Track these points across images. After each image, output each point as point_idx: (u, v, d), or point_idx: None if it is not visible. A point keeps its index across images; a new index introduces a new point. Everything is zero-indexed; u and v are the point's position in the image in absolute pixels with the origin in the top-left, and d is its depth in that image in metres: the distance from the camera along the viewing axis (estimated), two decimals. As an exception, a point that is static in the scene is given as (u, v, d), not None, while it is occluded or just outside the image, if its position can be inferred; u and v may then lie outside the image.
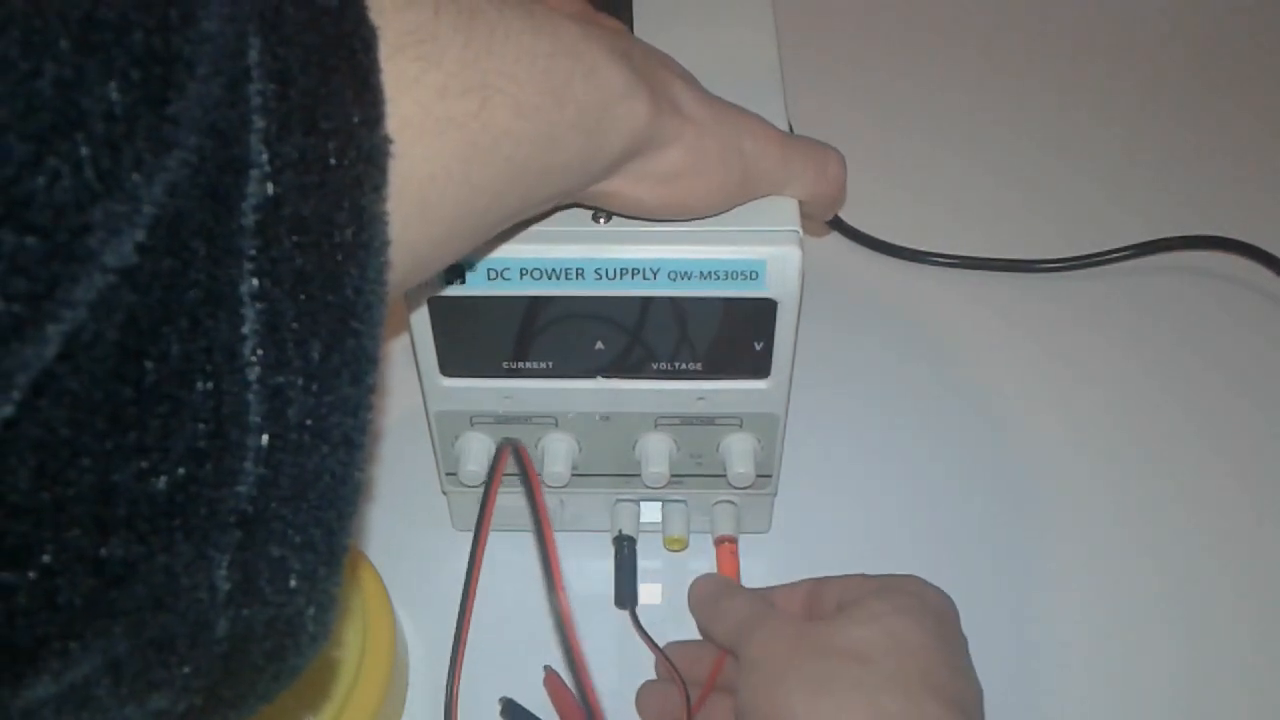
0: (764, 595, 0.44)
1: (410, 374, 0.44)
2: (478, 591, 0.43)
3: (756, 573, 0.47)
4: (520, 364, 0.42)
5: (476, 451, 0.44)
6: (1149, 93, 0.73)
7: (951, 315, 0.60)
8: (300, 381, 0.20)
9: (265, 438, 0.20)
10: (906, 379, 0.57)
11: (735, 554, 0.47)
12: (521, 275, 0.38)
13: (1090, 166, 0.68)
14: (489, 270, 0.38)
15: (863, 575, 0.43)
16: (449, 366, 0.42)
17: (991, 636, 0.43)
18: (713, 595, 0.44)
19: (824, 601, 0.43)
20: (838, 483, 0.53)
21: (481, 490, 0.47)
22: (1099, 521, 0.52)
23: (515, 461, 0.41)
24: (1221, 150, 0.69)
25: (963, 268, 0.62)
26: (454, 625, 0.44)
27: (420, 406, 0.44)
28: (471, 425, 0.44)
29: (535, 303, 0.39)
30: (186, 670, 0.21)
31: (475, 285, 0.38)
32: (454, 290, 0.39)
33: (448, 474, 0.46)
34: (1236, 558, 0.50)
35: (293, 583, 0.21)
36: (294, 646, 0.22)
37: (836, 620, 0.39)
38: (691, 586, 0.46)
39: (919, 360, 0.58)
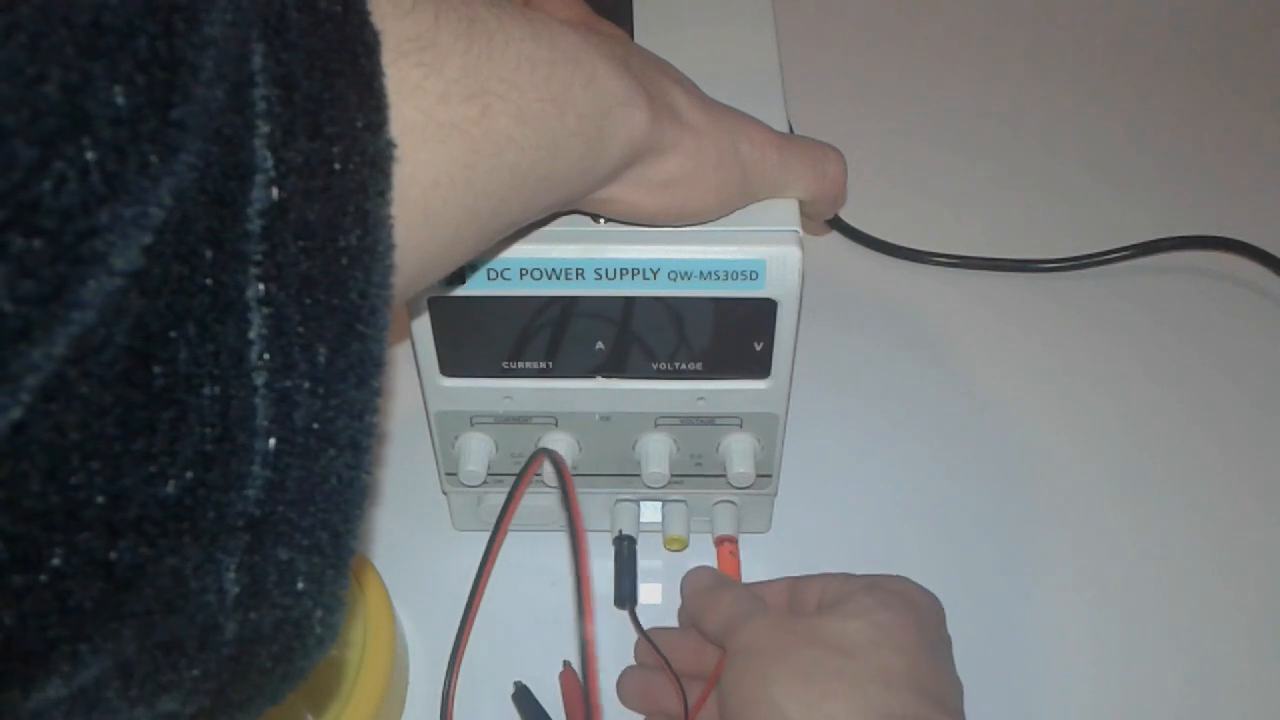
0: (754, 591, 0.45)
1: (411, 374, 0.44)
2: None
3: (756, 573, 0.47)
4: (520, 364, 0.42)
5: (476, 451, 0.44)
6: (1149, 92, 0.73)
7: (951, 315, 0.60)
8: (306, 385, 0.20)
9: (272, 441, 0.20)
10: (906, 379, 0.57)
11: (736, 554, 0.47)
12: (521, 275, 0.38)
13: (1090, 166, 0.68)
14: (489, 270, 0.38)
15: (845, 575, 0.43)
16: (449, 366, 0.42)
17: (991, 636, 0.43)
18: (707, 587, 0.45)
19: (804, 601, 0.43)
20: (838, 483, 0.53)
21: (484, 489, 0.47)
22: (1100, 521, 0.52)
23: (555, 476, 0.41)
24: (1221, 150, 0.69)
25: (963, 268, 0.62)
26: (454, 624, 0.44)
27: (421, 407, 0.44)
28: (471, 425, 0.44)
29: (535, 303, 0.39)
30: (195, 672, 0.21)
31: (475, 285, 0.38)
32: (454, 290, 0.39)
33: (448, 474, 0.46)
34: (1237, 557, 0.50)
35: (300, 585, 0.22)
36: (301, 648, 0.22)
37: (824, 614, 0.40)
38: (685, 577, 0.46)
39: (919, 360, 0.58)
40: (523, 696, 0.45)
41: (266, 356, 0.20)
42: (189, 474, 0.19)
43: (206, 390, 0.19)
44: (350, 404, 0.22)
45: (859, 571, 0.43)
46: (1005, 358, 0.58)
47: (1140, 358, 0.58)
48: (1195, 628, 0.48)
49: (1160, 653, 0.47)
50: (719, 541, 0.48)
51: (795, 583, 0.44)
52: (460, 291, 0.39)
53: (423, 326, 0.40)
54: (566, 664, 0.46)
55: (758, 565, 0.48)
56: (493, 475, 0.45)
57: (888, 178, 0.66)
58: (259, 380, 0.20)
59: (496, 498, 0.47)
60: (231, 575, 0.20)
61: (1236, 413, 0.56)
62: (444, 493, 0.49)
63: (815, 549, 0.50)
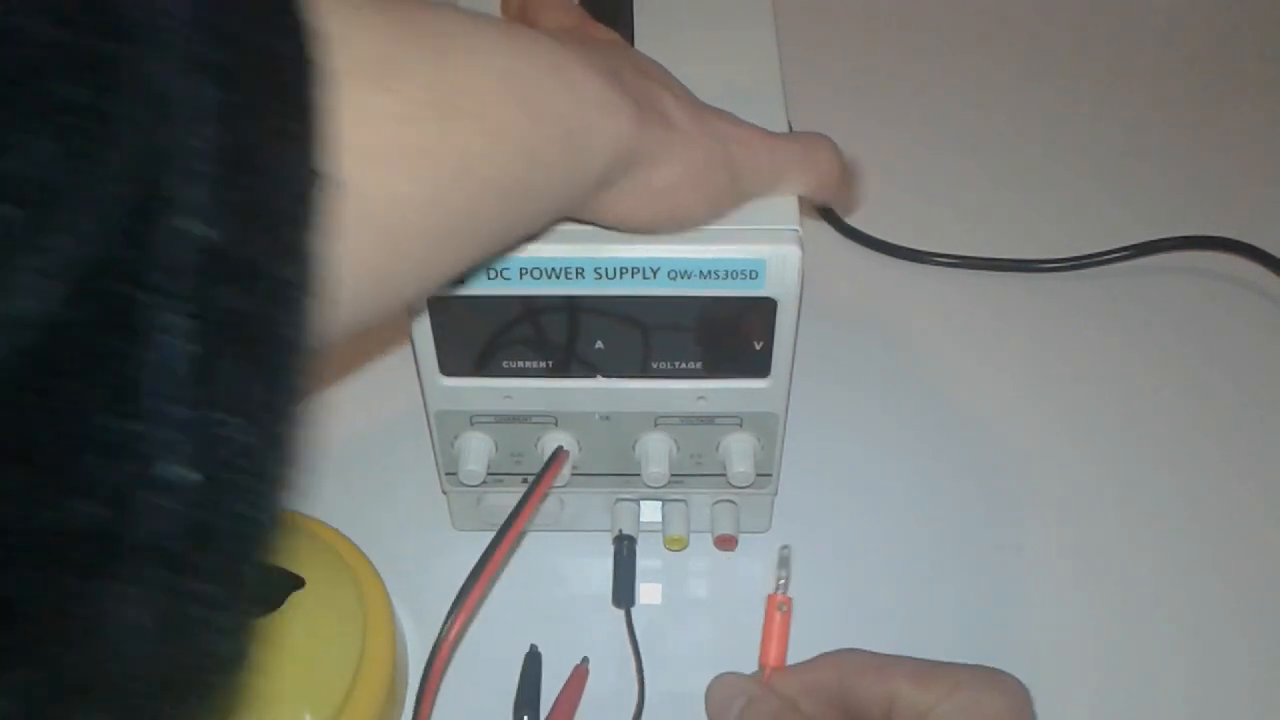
0: (787, 699, 0.39)
1: (410, 374, 0.44)
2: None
3: (756, 572, 0.47)
4: (520, 364, 0.42)
5: (476, 451, 0.44)
6: (1149, 93, 0.73)
7: (951, 315, 0.60)
8: (230, 421, 0.20)
9: (188, 475, 0.20)
10: (906, 379, 0.57)
11: (787, 610, 0.42)
12: (521, 275, 0.38)
13: (1090, 166, 0.68)
14: (489, 270, 0.38)
15: (916, 676, 0.36)
16: (449, 366, 0.42)
17: (991, 637, 0.43)
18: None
19: (864, 709, 0.37)
20: (838, 482, 0.53)
21: (484, 488, 0.47)
22: (1100, 521, 0.52)
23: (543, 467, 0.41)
24: (1221, 150, 0.69)
25: (963, 268, 0.62)
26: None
27: (420, 406, 0.44)
28: (471, 425, 0.44)
29: (535, 302, 0.39)
30: (102, 711, 0.20)
31: (475, 285, 0.38)
32: (454, 290, 0.39)
33: (448, 474, 0.46)
34: (1238, 557, 0.50)
35: (210, 619, 0.21)
36: (213, 682, 0.22)
37: None
38: (708, 691, 0.41)
39: (919, 360, 0.58)
40: (532, 661, 0.45)
41: (190, 391, 0.19)
42: (102, 508, 0.18)
43: (125, 425, 0.18)
44: (274, 440, 0.21)
45: (864, 586, 0.42)
46: (1005, 358, 0.58)
47: (1140, 358, 0.58)
48: (1195, 628, 0.48)
49: (1160, 652, 0.47)
50: (719, 541, 0.48)
51: (844, 682, 0.37)
52: (460, 291, 0.39)
53: (422, 326, 0.40)
54: (585, 659, 0.46)
55: (757, 565, 0.48)
56: (493, 475, 0.45)
57: (888, 178, 0.66)
58: (181, 414, 0.19)
59: (496, 498, 0.47)
60: (142, 610, 0.20)
61: (1236, 413, 0.56)
62: (444, 493, 0.49)
63: (815, 549, 0.50)
